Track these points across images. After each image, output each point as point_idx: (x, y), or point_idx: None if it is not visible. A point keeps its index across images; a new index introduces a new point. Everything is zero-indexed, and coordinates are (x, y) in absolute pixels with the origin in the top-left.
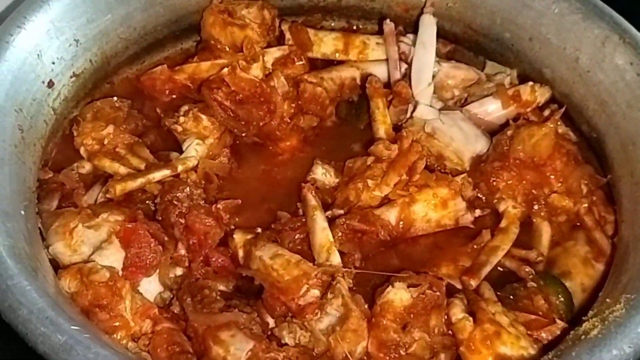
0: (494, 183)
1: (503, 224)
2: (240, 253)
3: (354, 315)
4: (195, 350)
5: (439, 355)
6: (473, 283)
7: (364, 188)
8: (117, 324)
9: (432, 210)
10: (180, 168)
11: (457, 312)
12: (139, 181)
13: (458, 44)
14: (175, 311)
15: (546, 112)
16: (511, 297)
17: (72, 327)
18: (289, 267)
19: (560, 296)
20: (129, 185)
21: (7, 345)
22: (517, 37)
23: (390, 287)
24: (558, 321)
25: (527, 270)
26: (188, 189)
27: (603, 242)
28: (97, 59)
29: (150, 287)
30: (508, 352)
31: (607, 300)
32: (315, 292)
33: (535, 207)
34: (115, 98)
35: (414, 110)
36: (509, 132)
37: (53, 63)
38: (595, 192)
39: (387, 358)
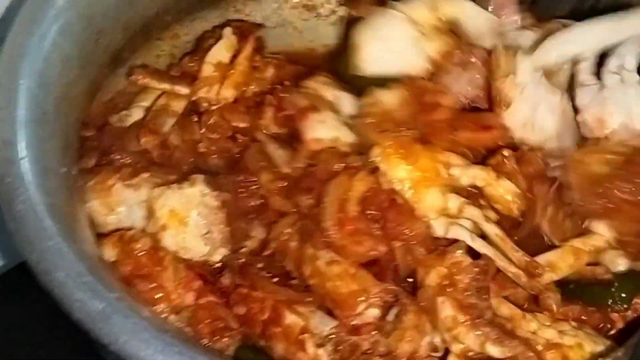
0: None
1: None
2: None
3: (411, 310)
4: (249, 322)
5: None
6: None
7: None
8: (158, 295)
9: None
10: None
11: None
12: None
13: None
14: (226, 283)
15: None
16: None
17: (111, 294)
18: (346, 279)
19: None
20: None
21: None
22: None
23: (448, 255)
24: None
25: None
26: None
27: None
28: (148, 13)
29: None
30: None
31: None
32: (375, 312)
33: None
34: None
35: None
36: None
37: (103, 14)
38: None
39: (469, 319)
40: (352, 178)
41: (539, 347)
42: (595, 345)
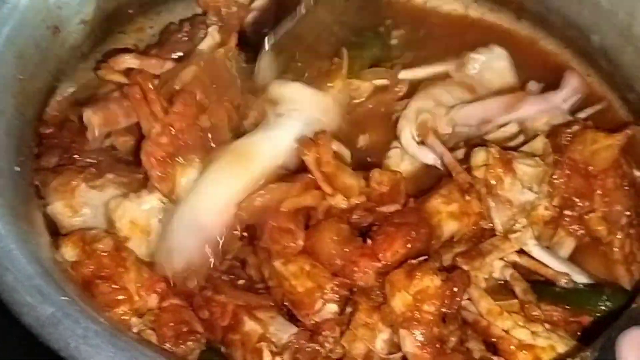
0: None
1: None
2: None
3: (361, 308)
4: (210, 328)
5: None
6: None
7: None
8: (120, 297)
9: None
10: None
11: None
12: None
13: (501, 4)
14: (191, 285)
15: None
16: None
17: (62, 298)
18: (301, 277)
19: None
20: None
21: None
22: None
23: (417, 272)
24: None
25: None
26: None
27: (624, 280)
28: (108, 6)
29: None
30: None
31: None
32: (333, 307)
33: (567, 218)
34: None
35: None
36: (575, 128)
37: (59, 8)
38: (634, 227)
39: (431, 355)
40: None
41: (512, 347)
42: (567, 348)
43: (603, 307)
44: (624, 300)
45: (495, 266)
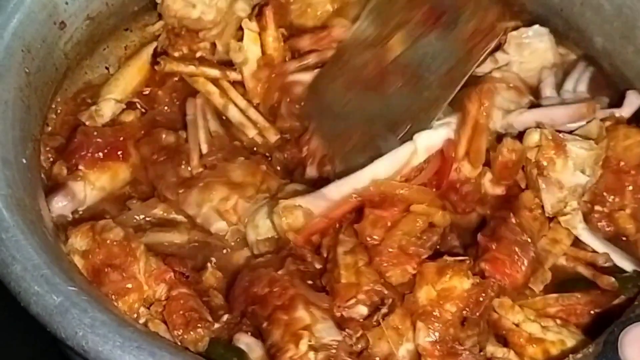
0: None
1: None
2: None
3: (397, 312)
4: (263, 302)
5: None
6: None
7: None
8: (129, 286)
9: None
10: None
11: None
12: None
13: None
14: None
15: None
16: None
17: (70, 287)
18: (351, 270)
19: None
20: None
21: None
22: (567, 1)
23: (449, 271)
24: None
25: (610, 282)
26: None
27: None
28: (114, 2)
29: None
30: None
31: None
32: (363, 310)
33: (596, 214)
34: None
35: None
36: (607, 123)
37: (66, 3)
38: None
39: (441, 354)
40: None
41: (522, 341)
42: (577, 343)
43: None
44: None
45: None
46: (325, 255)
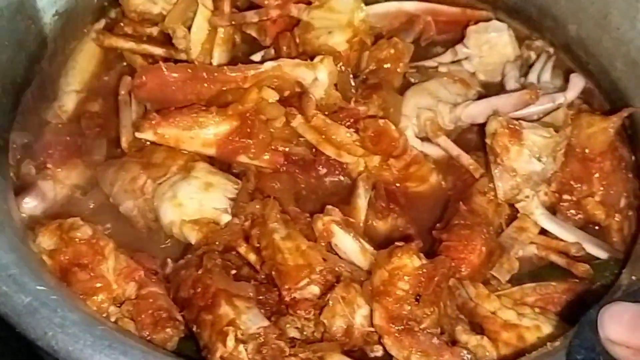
0: None
1: None
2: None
3: (339, 285)
4: (189, 306)
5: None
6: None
7: None
8: (98, 285)
9: None
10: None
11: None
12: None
13: None
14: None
15: None
16: None
17: (38, 287)
18: (295, 254)
19: None
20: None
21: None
22: None
23: (399, 252)
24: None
25: (585, 269)
26: None
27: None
28: None
29: None
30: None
31: None
32: (315, 289)
33: (565, 203)
34: None
35: None
36: (570, 112)
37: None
38: (633, 209)
39: (397, 330)
40: None
41: (496, 327)
42: (554, 329)
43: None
44: None
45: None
46: (256, 245)
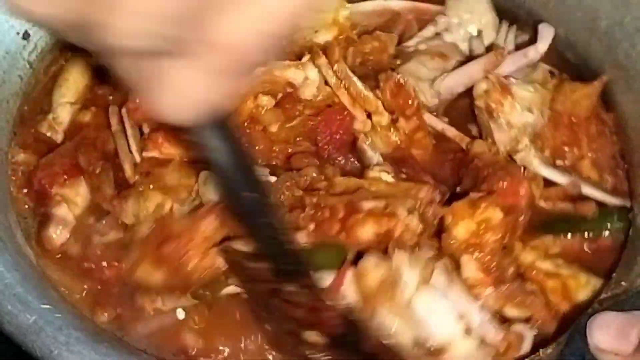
0: None
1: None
2: None
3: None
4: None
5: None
6: None
7: None
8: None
9: None
10: None
11: None
12: None
13: None
14: None
15: None
16: None
17: (43, 305)
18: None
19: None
20: None
21: None
22: None
23: (482, 203)
24: None
25: (590, 206)
26: None
27: None
28: None
29: None
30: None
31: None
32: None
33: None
34: None
35: None
36: (553, 81)
37: None
38: (620, 169)
39: (493, 280)
40: None
41: (540, 276)
42: (587, 278)
43: (617, 227)
44: None
45: None
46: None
